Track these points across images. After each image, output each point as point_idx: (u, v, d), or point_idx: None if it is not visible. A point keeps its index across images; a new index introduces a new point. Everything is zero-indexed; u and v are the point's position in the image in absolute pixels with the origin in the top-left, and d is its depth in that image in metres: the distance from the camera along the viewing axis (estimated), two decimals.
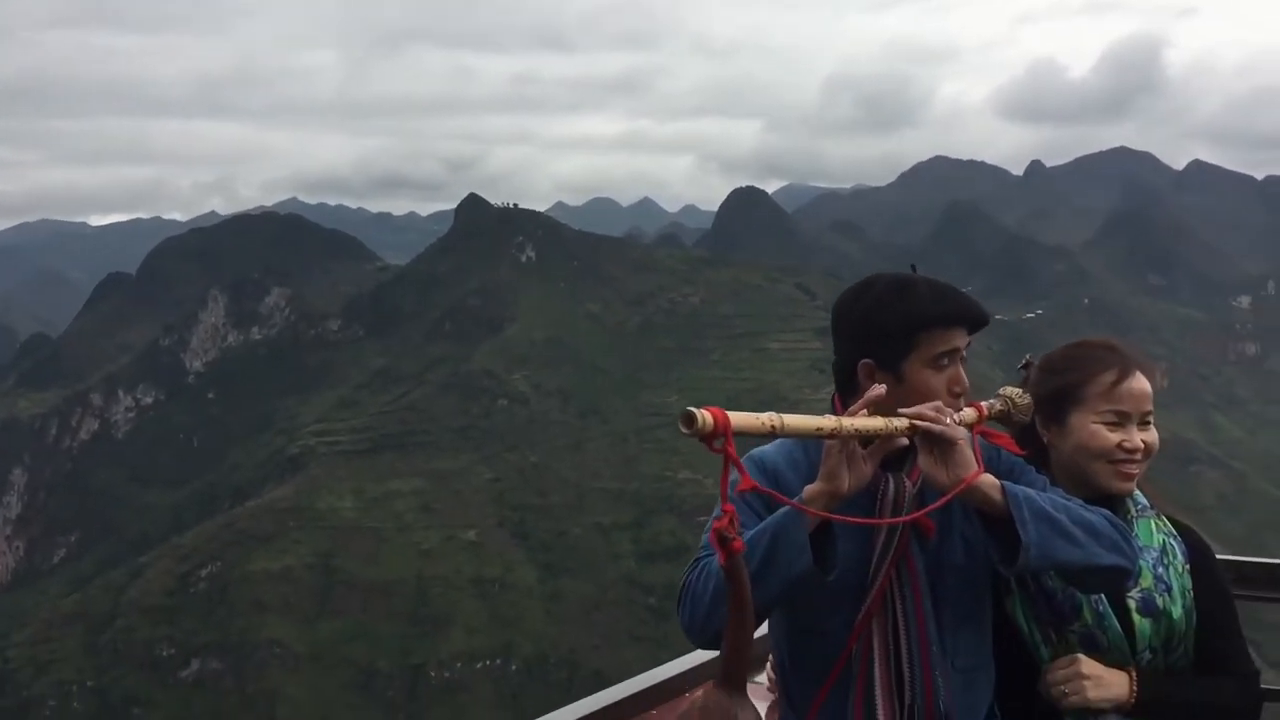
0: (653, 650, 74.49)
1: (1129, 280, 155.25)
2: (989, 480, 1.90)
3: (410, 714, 70.21)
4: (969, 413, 1.99)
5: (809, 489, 1.90)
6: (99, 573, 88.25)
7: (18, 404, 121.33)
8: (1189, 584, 2.18)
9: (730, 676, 1.73)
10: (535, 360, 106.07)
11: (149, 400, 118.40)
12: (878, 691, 2.00)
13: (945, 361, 2.02)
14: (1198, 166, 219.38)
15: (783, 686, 2.15)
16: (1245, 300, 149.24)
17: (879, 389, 1.89)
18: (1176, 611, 2.14)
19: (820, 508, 1.86)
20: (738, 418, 1.60)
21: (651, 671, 3.16)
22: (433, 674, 72.35)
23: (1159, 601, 2.14)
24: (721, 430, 1.57)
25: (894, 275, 2.07)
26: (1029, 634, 2.16)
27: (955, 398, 2.02)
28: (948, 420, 1.91)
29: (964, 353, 2.05)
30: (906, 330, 2.00)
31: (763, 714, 2.89)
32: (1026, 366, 2.32)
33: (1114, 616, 2.13)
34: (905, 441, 1.92)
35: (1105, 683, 2.09)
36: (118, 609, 77.87)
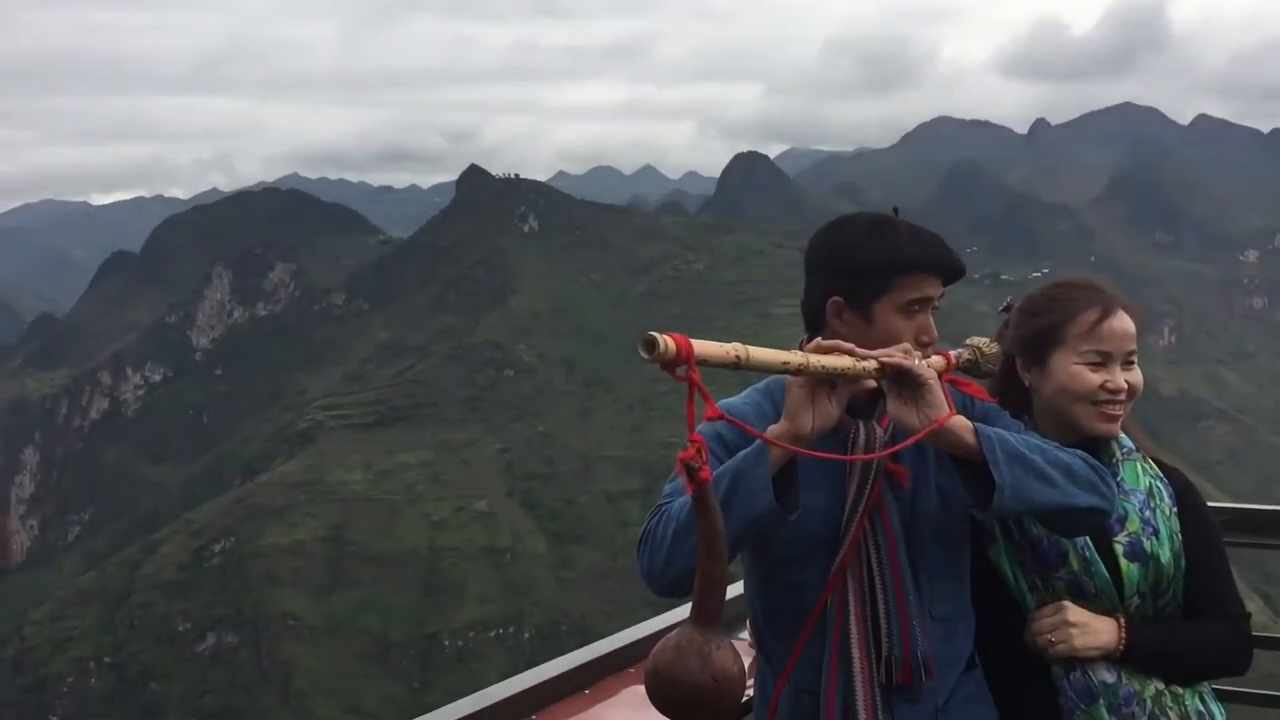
0: (665, 608, 75.02)
1: (1135, 237, 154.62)
2: (961, 422, 1.84)
3: (424, 683, 70.83)
4: (937, 360, 1.93)
5: (771, 429, 1.82)
6: (114, 550, 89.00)
7: (27, 384, 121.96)
8: (1176, 527, 2.14)
9: (703, 611, 1.63)
10: (540, 330, 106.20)
11: (157, 378, 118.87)
12: (854, 643, 1.94)
13: (916, 309, 1.96)
14: (1204, 121, 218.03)
15: (758, 641, 2.12)
16: (1253, 254, 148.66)
17: (846, 345, 1.82)
18: (1165, 555, 2.10)
19: (780, 448, 1.79)
20: (701, 345, 1.54)
21: (629, 629, 3.08)
22: (446, 643, 72.96)
23: (1146, 545, 2.09)
24: (684, 357, 1.51)
25: (873, 214, 2.03)
26: (1014, 582, 2.12)
27: (923, 347, 1.95)
28: (916, 361, 1.85)
29: (936, 303, 1.99)
30: (881, 270, 1.95)
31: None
32: (1008, 309, 2.27)
33: (1101, 562, 2.08)
34: (873, 384, 1.85)
35: (1093, 630, 2.05)
36: (133, 585, 78.54)
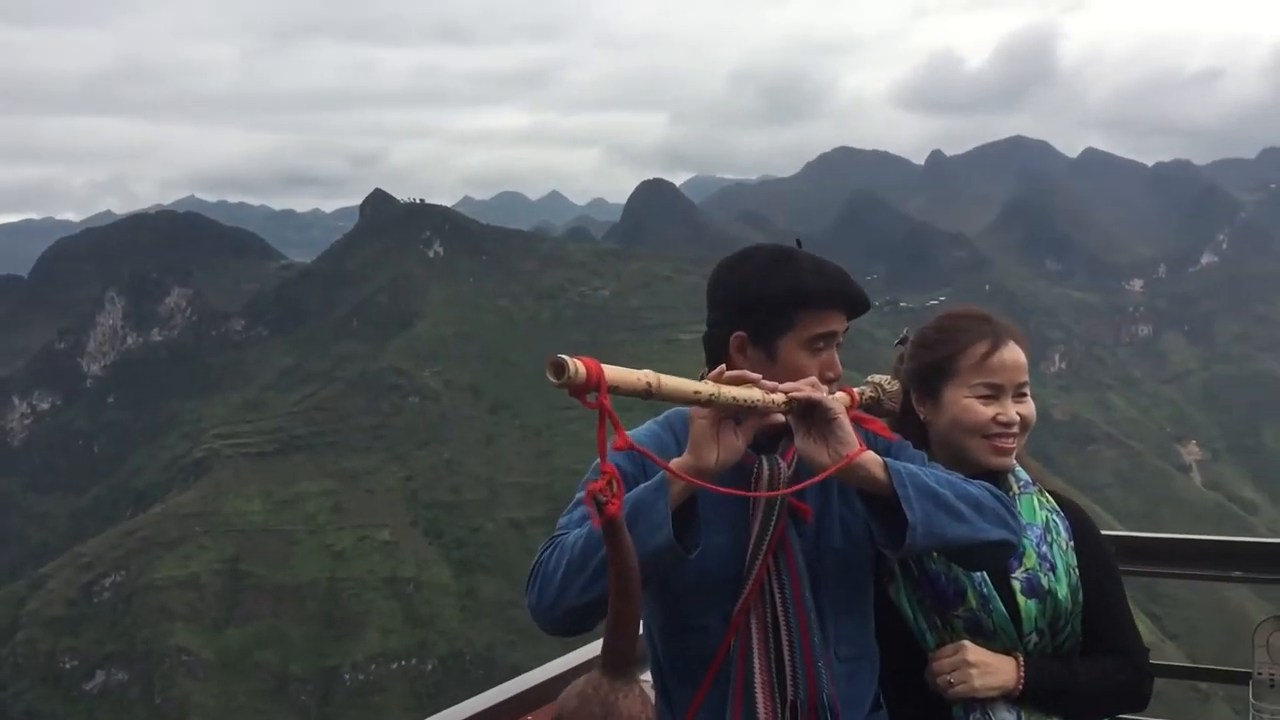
0: (572, 642, 74.47)
1: (1027, 265, 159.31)
2: (871, 457, 1.79)
3: (324, 717, 69.36)
4: (841, 397, 1.89)
5: (674, 461, 1.75)
6: None
7: None
8: (1073, 561, 2.12)
9: (612, 656, 1.55)
10: (445, 356, 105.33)
11: (45, 406, 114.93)
12: (757, 687, 1.88)
13: (821, 345, 1.92)
14: (1091, 154, 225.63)
15: (659, 686, 2.04)
16: (1138, 283, 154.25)
17: (754, 376, 1.76)
18: (1062, 590, 2.08)
19: (685, 483, 1.72)
20: (613, 371, 1.49)
21: (539, 669, 2.95)
22: (347, 676, 71.54)
23: (1044, 581, 2.07)
24: (595, 382, 1.46)
25: (776, 246, 1.98)
26: (913, 620, 2.09)
27: (828, 384, 1.90)
28: (825, 394, 1.80)
29: (840, 338, 1.96)
30: (785, 304, 1.90)
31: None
32: (904, 341, 2.26)
33: (999, 599, 2.06)
34: (781, 418, 1.80)
35: (992, 670, 2.02)
36: (18, 621, 75.56)
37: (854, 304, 1.95)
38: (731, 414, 1.74)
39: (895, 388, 2.06)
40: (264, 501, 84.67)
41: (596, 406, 1.49)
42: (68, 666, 72.27)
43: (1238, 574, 2.94)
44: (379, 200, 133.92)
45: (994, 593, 2.06)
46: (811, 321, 1.90)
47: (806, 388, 1.78)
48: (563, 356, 1.46)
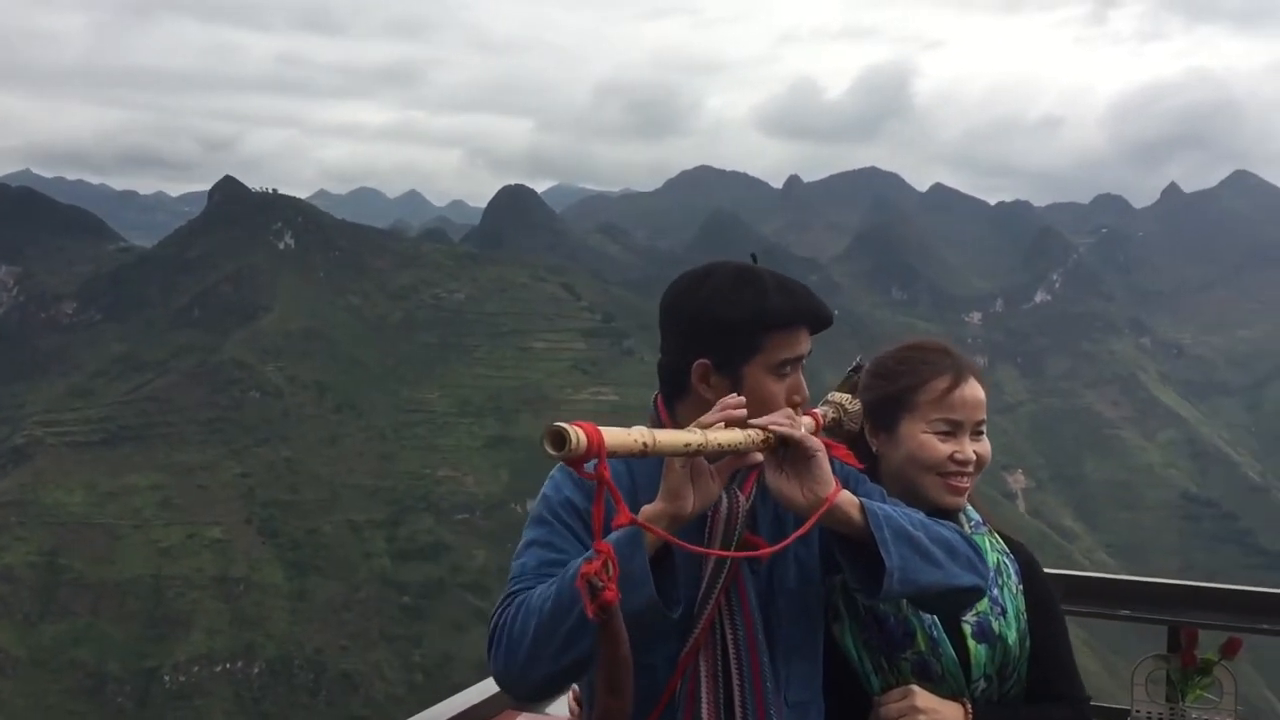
0: (405, 649, 73.51)
1: (875, 293, 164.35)
2: (848, 498, 1.69)
3: None
4: (807, 422, 1.77)
5: (647, 510, 1.61)
6: None
7: None
8: (1023, 605, 2.07)
9: None
10: (290, 352, 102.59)
11: None
12: None
13: (788, 369, 1.80)
14: (939, 189, 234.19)
15: None
16: (977, 316, 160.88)
17: (737, 401, 1.66)
18: (1012, 636, 2.02)
19: (661, 531, 1.58)
20: (611, 435, 1.40)
21: (442, 704, 2.64)
22: (167, 678, 68.96)
23: (995, 626, 2.01)
24: (596, 451, 1.36)
25: (736, 265, 1.84)
26: (859, 662, 2.01)
27: (795, 407, 1.80)
28: (803, 431, 1.69)
29: (805, 359, 1.85)
30: (750, 328, 1.76)
31: None
32: (858, 369, 2.17)
33: (949, 643, 1.99)
34: (760, 457, 1.68)
35: (940, 716, 1.94)
36: None
37: (820, 322, 1.85)
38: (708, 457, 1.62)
39: (857, 408, 2.01)
40: (87, 493, 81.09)
41: (595, 477, 1.40)
42: None
43: (1125, 613, 2.96)
44: (229, 187, 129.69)
45: (944, 636, 1.99)
46: (779, 345, 1.78)
47: (784, 421, 1.67)
48: (563, 425, 1.35)
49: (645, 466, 1.74)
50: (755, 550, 1.73)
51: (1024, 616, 2.05)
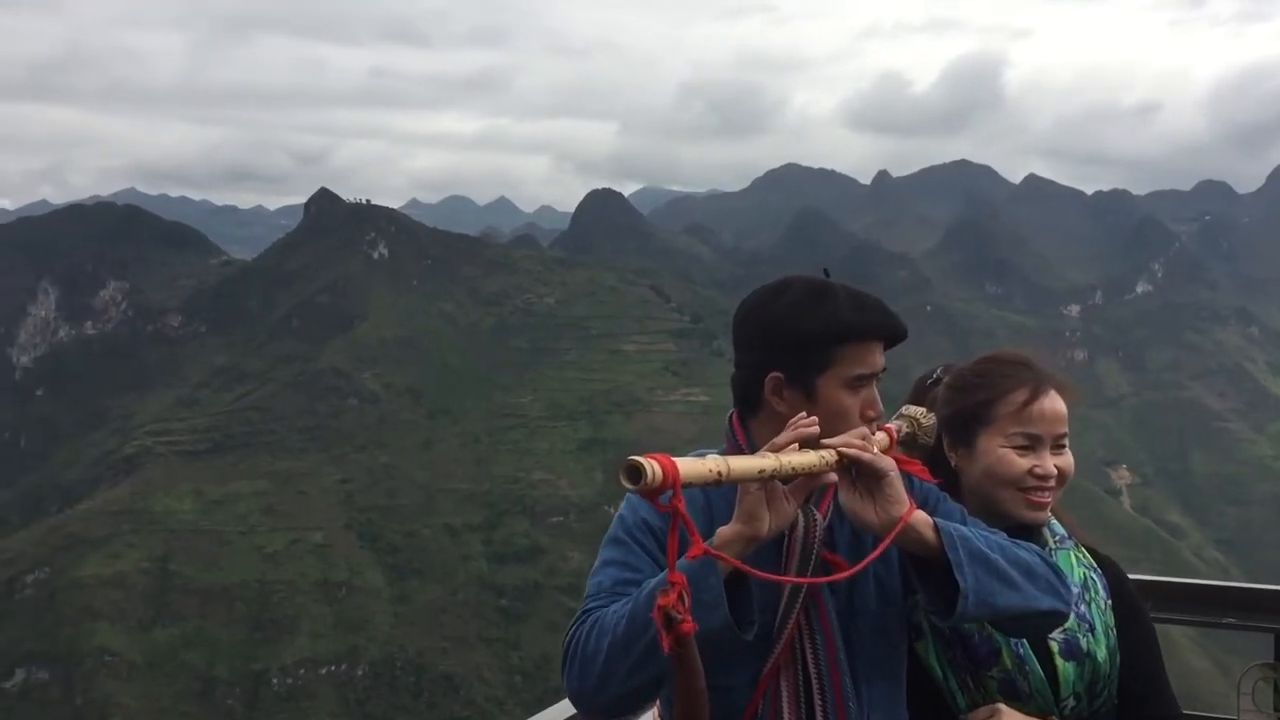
0: (503, 651, 74.28)
1: (968, 288, 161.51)
2: (922, 518, 1.69)
3: None
4: (880, 438, 1.77)
5: (723, 532, 1.61)
6: None
7: None
8: (1112, 621, 2.02)
9: None
10: (386, 359, 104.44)
11: None
12: None
13: (862, 383, 1.80)
14: (1033, 180, 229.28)
15: None
16: (1075, 309, 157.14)
17: (808, 420, 1.66)
18: (1101, 653, 1.98)
19: (736, 553, 1.58)
20: (685, 466, 1.40)
21: None
22: (275, 681, 70.54)
23: (1083, 643, 1.97)
24: (671, 483, 1.37)
25: (809, 279, 1.85)
26: (944, 681, 1.98)
27: (869, 422, 1.80)
28: (875, 450, 1.69)
29: (880, 374, 1.84)
30: (824, 341, 1.77)
31: None
32: (937, 381, 2.17)
33: (1036, 660, 1.96)
34: (834, 478, 1.68)
35: None
36: None
37: (894, 336, 1.84)
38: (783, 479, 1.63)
39: (931, 422, 1.97)
40: (195, 501, 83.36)
41: (670, 509, 1.40)
42: None
43: (1229, 620, 2.86)
44: (324, 199, 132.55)
45: (1030, 654, 1.95)
46: (852, 358, 1.79)
47: (857, 442, 1.68)
48: (638, 459, 1.37)
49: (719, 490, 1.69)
50: (833, 570, 1.74)
51: (1113, 632, 2.01)
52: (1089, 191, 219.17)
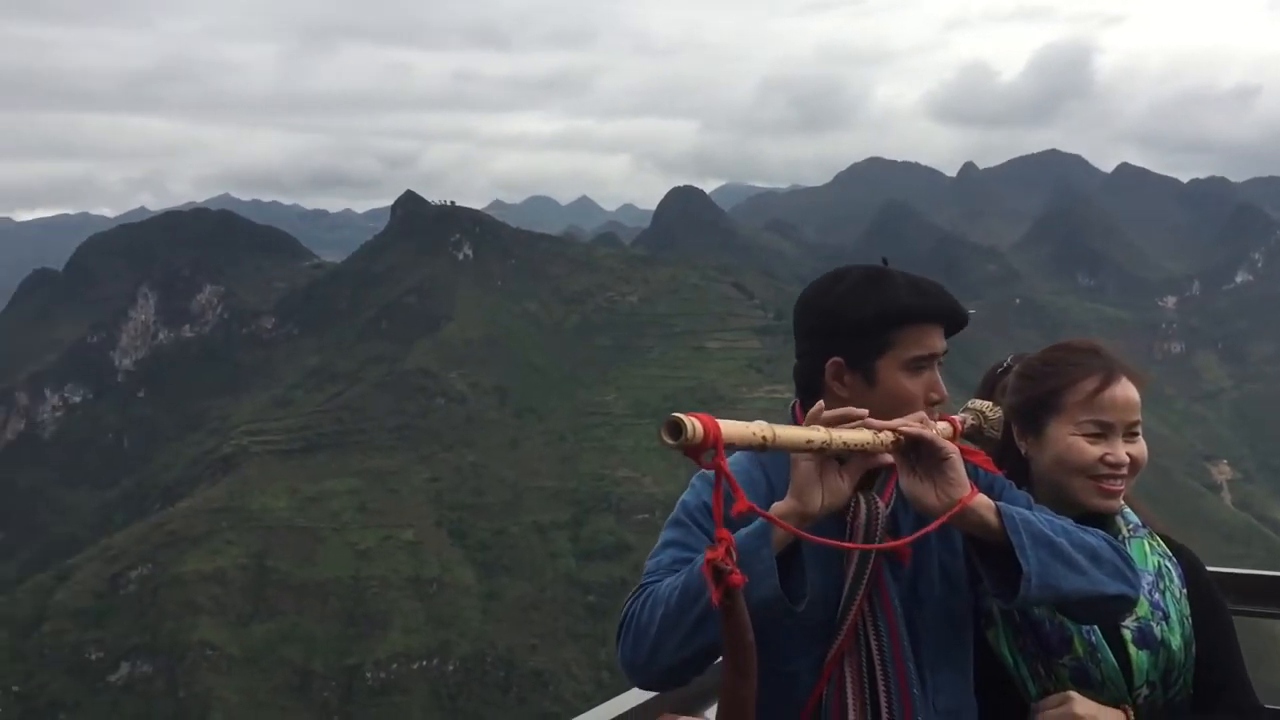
0: (592, 648, 74.69)
1: (1058, 280, 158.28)
2: (983, 501, 1.68)
3: (345, 716, 69.59)
4: (944, 427, 1.77)
5: (777, 506, 1.65)
6: (25, 576, 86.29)
7: None
8: (1187, 610, 2.00)
9: None
10: (472, 359, 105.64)
11: (77, 399, 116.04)
12: None
13: (923, 365, 1.82)
14: (1126, 169, 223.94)
15: None
16: (1170, 300, 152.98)
17: (861, 411, 1.67)
18: (1175, 641, 1.96)
19: (788, 525, 1.62)
20: (729, 427, 1.41)
21: (599, 709, 2.73)
22: (369, 675, 71.78)
23: (1156, 631, 1.96)
24: (712, 441, 1.38)
25: (867, 267, 1.88)
26: (1014, 669, 1.98)
27: (932, 405, 1.82)
28: (935, 432, 1.70)
29: (941, 358, 1.85)
30: (881, 325, 1.79)
31: None
32: (1006, 370, 2.17)
33: (1108, 648, 1.95)
34: (889, 459, 1.70)
35: None
36: (45, 612, 76.24)
37: (953, 320, 1.84)
38: (835, 455, 1.64)
39: (998, 415, 1.98)
40: (290, 498, 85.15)
41: (713, 467, 1.41)
42: (93, 658, 72.82)
43: None
44: (410, 202, 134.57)
45: (1103, 642, 1.95)
46: (910, 341, 1.80)
47: (916, 424, 1.69)
48: (679, 416, 1.38)
49: (781, 469, 1.73)
50: (895, 558, 1.74)
51: (1188, 621, 1.99)
52: (1184, 179, 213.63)
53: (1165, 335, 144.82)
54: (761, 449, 1.49)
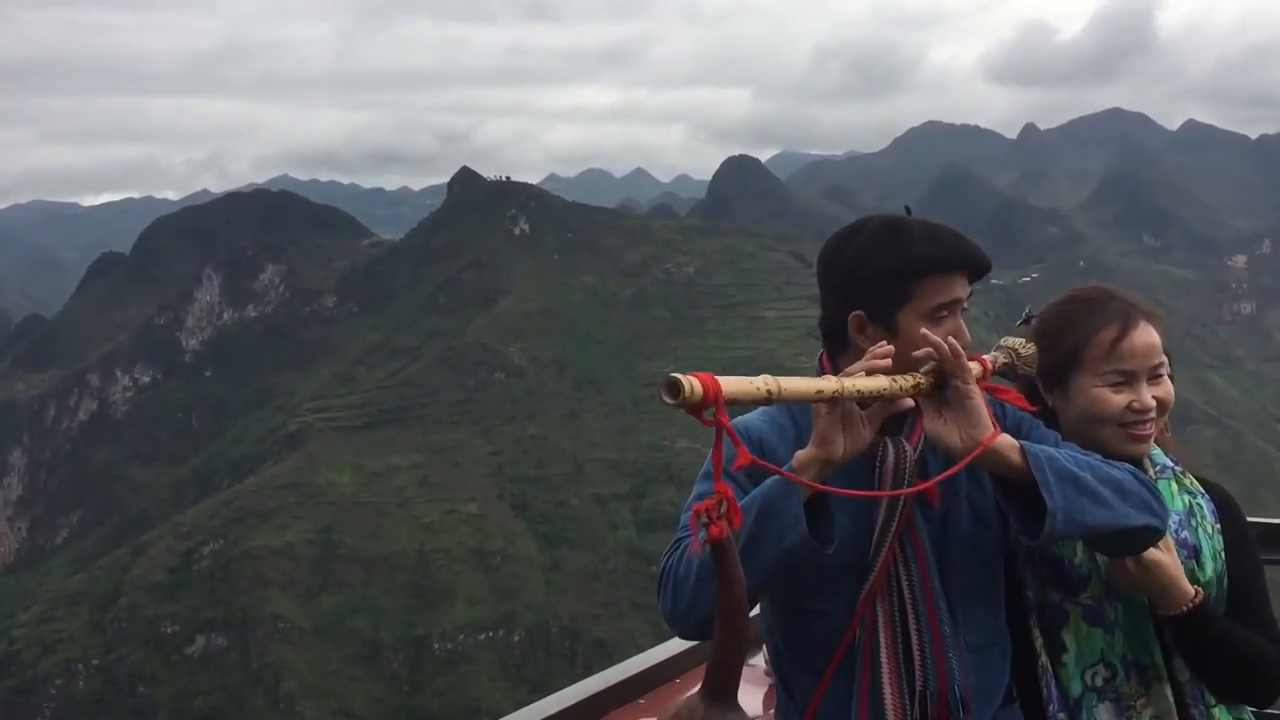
0: (654, 618, 75.07)
1: (1123, 241, 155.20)
2: (1007, 441, 1.70)
3: (414, 685, 70.75)
4: (974, 366, 1.76)
5: (800, 455, 1.68)
6: (102, 552, 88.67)
7: (15, 386, 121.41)
8: (1220, 545, 1.99)
9: (716, 686, 1.45)
10: (530, 332, 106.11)
11: (146, 379, 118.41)
12: (885, 679, 1.80)
13: (944, 313, 1.82)
14: (1192, 126, 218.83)
15: (779, 674, 1.96)
16: (1240, 259, 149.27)
17: (884, 350, 1.70)
18: (1206, 575, 1.96)
19: (813, 476, 1.65)
20: (729, 384, 1.40)
21: (640, 656, 2.95)
22: (436, 645, 72.85)
23: (1184, 567, 1.94)
24: (712, 399, 1.38)
25: (885, 217, 1.89)
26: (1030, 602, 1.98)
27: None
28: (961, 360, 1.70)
29: (965, 304, 1.85)
30: (900, 276, 1.80)
31: (760, 699, 2.76)
32: (1026, 321, 2.12)
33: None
34: (910, 403, 1.72)
35: (1177, 574, 1.89)
36: (121, 587, 78.27)
37: (974, 266, 1.85)
38: (856, 401, 1.66)
39: (1030, 351, 1.94)
40: (355, 474, 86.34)
41: (715, 424, 1.41)
42: (169, 631, 74.64)
43: None
44: (466, 178, 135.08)
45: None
46: (930, 290, 1.81)
47: (947, 349, 1.69)
48: (677, 375, 1.37)
49: (810, 417, 1.73)
50: (921, 494, 1.76)
51: (1221, 557, 1.98)
52: (1253, 135, 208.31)
53: (1235, 295, 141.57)
54: (767, 402, 1.49)
